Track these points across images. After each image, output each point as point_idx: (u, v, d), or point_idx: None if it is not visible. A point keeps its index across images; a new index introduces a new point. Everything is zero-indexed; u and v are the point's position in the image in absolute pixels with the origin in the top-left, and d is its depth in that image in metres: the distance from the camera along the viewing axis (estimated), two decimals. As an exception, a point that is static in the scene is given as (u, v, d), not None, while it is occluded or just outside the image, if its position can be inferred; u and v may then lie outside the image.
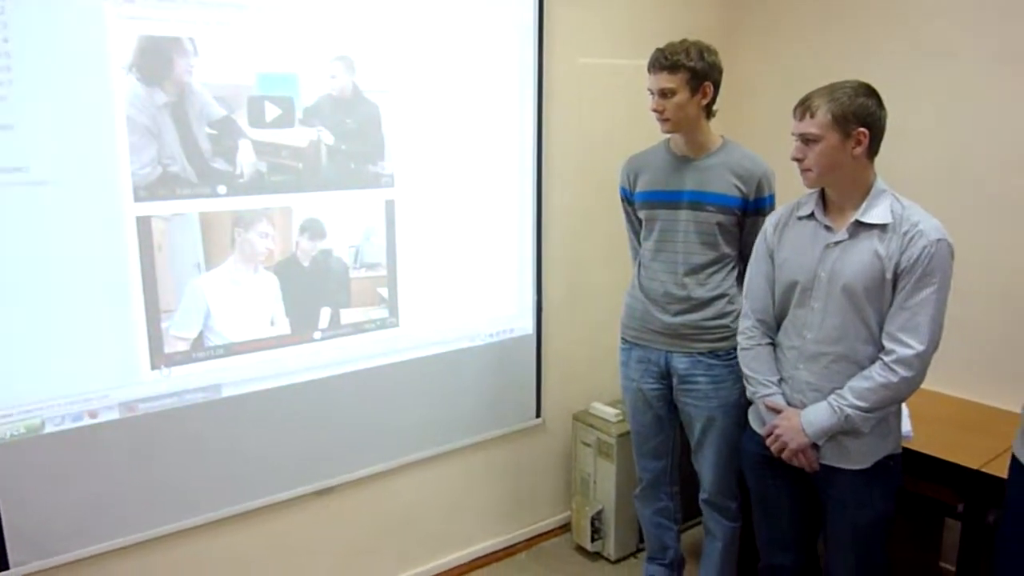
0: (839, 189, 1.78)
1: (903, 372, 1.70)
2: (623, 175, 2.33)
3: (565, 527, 3.08)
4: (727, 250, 2.15)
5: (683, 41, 2.08)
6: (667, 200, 2.19)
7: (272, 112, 2.14)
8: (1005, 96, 2.41)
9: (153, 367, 2.06)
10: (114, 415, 2.03)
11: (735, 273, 2.19)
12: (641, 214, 2.27)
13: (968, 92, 2.49)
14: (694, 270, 2.16)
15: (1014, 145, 2.39)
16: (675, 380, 2.25)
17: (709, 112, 2.14)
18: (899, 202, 1.74)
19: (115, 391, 2.02)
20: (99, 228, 1.93)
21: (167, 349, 2.07)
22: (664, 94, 2.08)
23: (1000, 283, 2.36)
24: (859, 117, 1.69)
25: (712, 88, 2.09)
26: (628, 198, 2.33)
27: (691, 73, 2.05)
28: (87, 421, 1.99)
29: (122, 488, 2.07)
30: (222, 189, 2.09)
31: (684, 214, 2.16)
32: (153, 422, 2.08)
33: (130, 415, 2.05)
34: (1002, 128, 2.42)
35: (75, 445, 1.98)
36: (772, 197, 2.15)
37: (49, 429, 1.94)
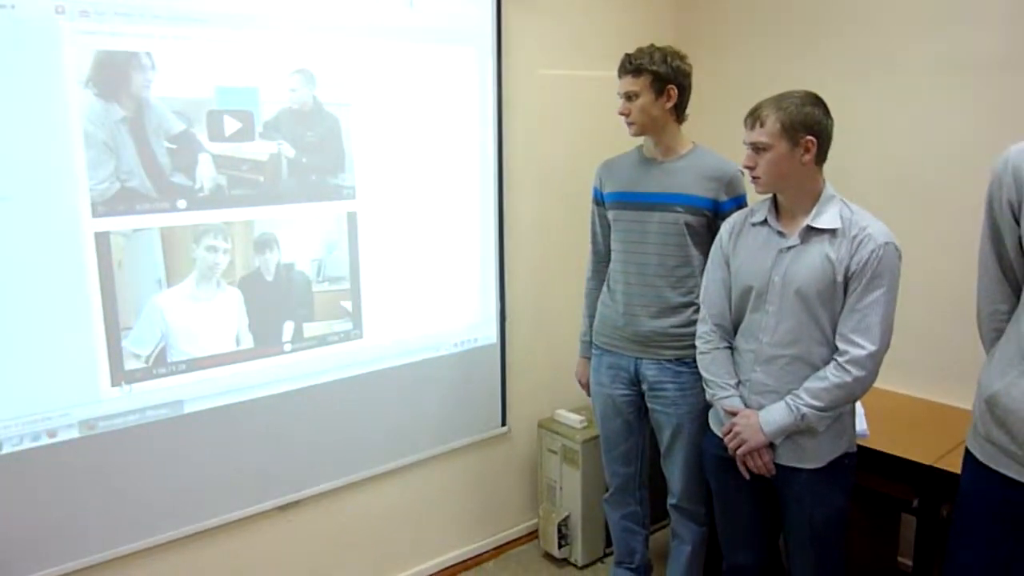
0: (790, 196, 1.84)
1: (856, 372, 1.76)
2: (596, 177, 2.38)
3: (532, 534, 3.10)
4: (695, 252, 2.18)
5: (650, 46, 2.13)
6: (636, 201, 2.23)
7: (232, 126, 2.14)
8: (942, 102, 2.50)
9: (113, 384, 2.04)
10: (74, 434, 2.00)
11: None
12: (611, 215, 2.30)
13: (908, 99, 2.58)
14: (664, 271, 2.19)
15: (952, 149, 2.48)
16: (644, 387, 2.29)
17: (679, 116, 2.19)
18: (848, 207, 1.81)
19: (75, 409, 1.99)
20: (57, 244, 1.91)
21: (128, 366, 2.05)
22: (629, 97, 2.13)
23: (945, 283, 2.44)
24: (807, 125, 1.75)
25: (677, 91, 2.13)
26: (599, 200, 2.36)
27: (654, 76, 2.10)
28: (46, 441, 1.96)
29: (82, 508, 2.03)
30: (182, 204, 2.08)
31: (652, 215, 2.19)
32: (114, 440, 2.05)
33: (90, 433, 2.02)
34: (940, 133, 2.51)
35: (34, 465, 1.95)
36: (743, 198, 2.17)
37: (7, 449, 1.91)
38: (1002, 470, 1.54)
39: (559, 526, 2.89)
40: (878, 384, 1.84)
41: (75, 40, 1.87)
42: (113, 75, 1.93)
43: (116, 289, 2.00)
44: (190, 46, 2.05)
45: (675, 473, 2.31)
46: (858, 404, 1.95)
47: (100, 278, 1.97)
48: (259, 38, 2.16)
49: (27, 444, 1.93)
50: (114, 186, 1.97)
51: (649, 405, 2.30)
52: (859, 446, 1.97)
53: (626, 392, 2.33)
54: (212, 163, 2.12)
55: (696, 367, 2.07)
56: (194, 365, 2.16)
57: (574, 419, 2.89)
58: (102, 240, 1.97)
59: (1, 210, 1.82)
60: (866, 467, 2.06)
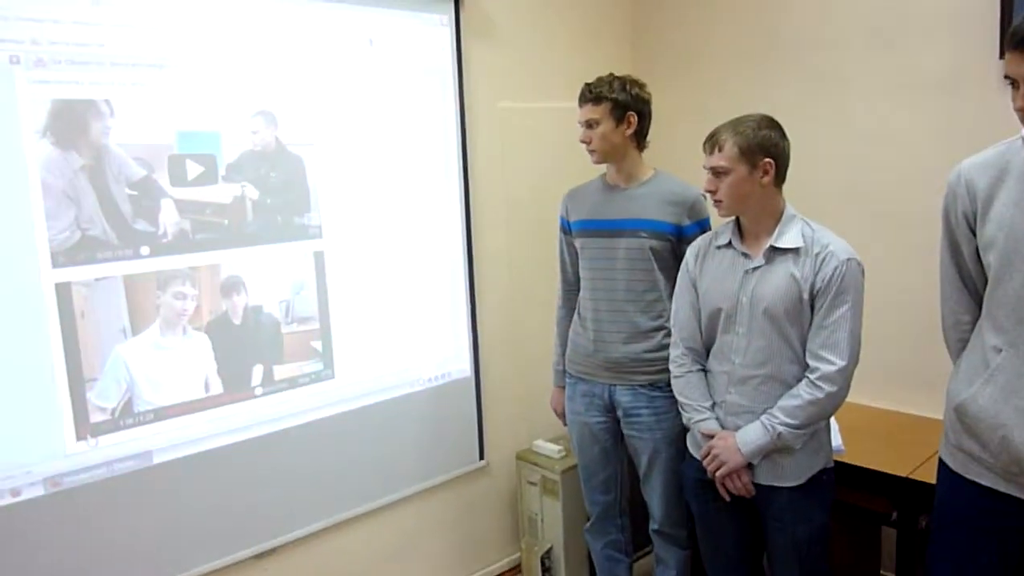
0: (751, 217, 1.87)
1: (828, 388, 1.77)
2: (562, 206, 2.39)
3: (516, 568, 3.06)
4: (660, 277, 2.19)
5: (609, 75, 2.17)
6: (601, 228, 2.25)
7: (194, 170, 2.13)
8: (895, 119, 2.57)
9: (79, 438, 1.98)
10: (38, 491, 1.94)
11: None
12: (577, 243, 2.32)
13: (862, 117, 2.65)
14: (633, 296, 2.20)
15: (908, 164, 2.54)
16: (620, 413, 2.28)
17: (640, 143, 2.21)
18: (809, 226, 1.84)
19: (38, 465, 1.93)
20: (16, 297, 1.87)
21: (93, 419, 2.00)
22: (590, 125, 2.16)
23: (909, 295, 2.48)
24: (764, 148, 1.79)
25: (637, 118, 2.16)
26: (566, 228, 2.38)
27: (613, 104, 2.13)
28: (9, 500, 1.89)
29: (49, 567, 1.96)
30: (145, 250, 2.05)
31: (618, 241, 2.21)
32: (80, 495, 2.00)
33: (55, 490, 1.96)
34: (895, 149, 2.58)
35: (-3, 526, 1.88)
36: (706, 221, 2.19)
37: (-33, 511, 1.84)
38: (975, 478, 1.55)
39: (542, 559, 2.85)
40: (850, 399, 1.86)
41: (30, 89, 1.85)
42: (71, 123, 1.91)
43: (79, 340, 1.96)
44: (149, 92, 2.03)
45: (655, 498, 2.30)
46: (832, 420, 1.96)
47: (62, 329, 1.93)
48: (219, 81, 2.16)
49: (-11, 504, 1.87)
50: (75, 235, 1.94)
51: (625, 431, 2.30)
52: (836, 461, 1.99)
53: (601, 419, 2.32)
54: (175, 208, 2.10)
55: (670, 391, 2.08)
56: (162, 414, 2.12)
57: (552, 449, 2.87)
58: (63, 290, 1.93)
59: (-43, 265, 1.78)
60: (844, 482, 2.07)
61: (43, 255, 1.89)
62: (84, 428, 1.99)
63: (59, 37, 1.89)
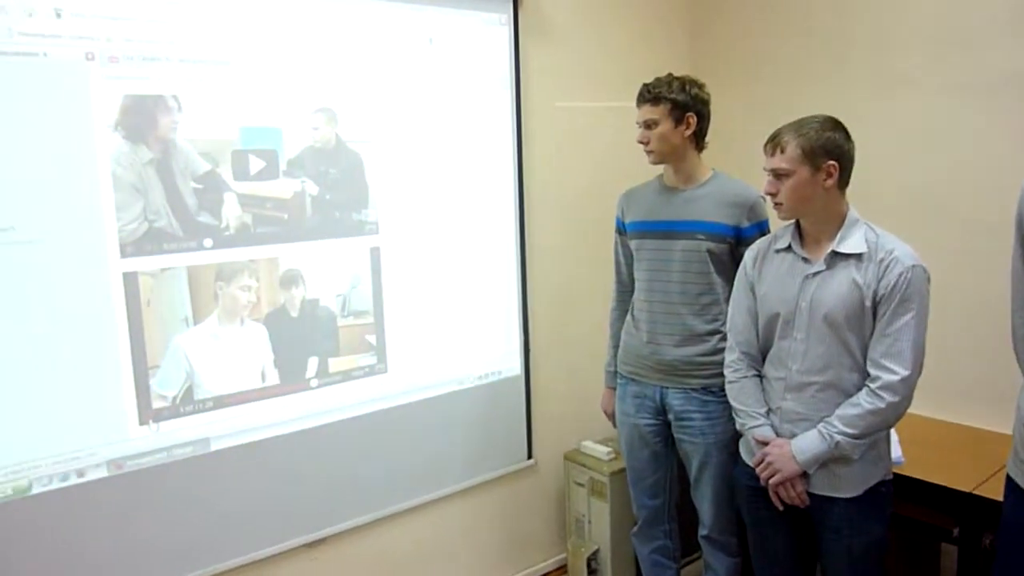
0: (813, 221, 1.83)
1: (889, 397, 1.72)
2: (618, 207, 2.38)
3: (561, 569, 3.05)
4: (718, 280, 2.17)
5: (668, 75, 2.15)
6: (657, 230, 2.23)
7: (256, 165, 2.17)
8: (964, 121, 2.48)
9: (141, 423, 2.05)
10: (102, 473, 2.01)
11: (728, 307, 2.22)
12: (633, 244, 2.30)
13: (929, 119, 2.56)
14: (688, 299, 2.18)
15: (978, 168, 2.45)
16: (671, 417, 2.26)
17: (698, 144, 2.19)
18: (873, 231, 1.79)
19: (103, 449, 2.00)
20: (86, 286, 1.94)
21: (155, 404, 2.06)
22: (648, 125, 2.14)
23: (978, 304, 2.41)
24: (827, 150, 1.74)
25: (696, 119, 2.14)
26: (621, 229, 2.37)
27: (672, 104, 2.11)
28: (75, 480, 1.97)
29: (109, 547, 2.03)
30: (208, 242, 2.11)
31: (674, 243, 2.19)
32: (140, 479, 2.06)
33: (118, 472, 2.03)
34: (964, 152, 2.49)
35: (62, 505, 1.95)
36: (765, 223, 2.16)
37: (37, 490, 1.92)
38: (1046, 497, 1.49)
39: (588, 560, 2.84)
40: (912, 410, 1.80)
41: (104, 85, 1.92)
42: (141, 118, 1.98)
43: (144, 328, 2.02)
44: (215, 88, 2.09)
45: (705, 504, 2.27)
46: (892, 431, 1.91)
47: (128, 318, 2.00)
48: (282, 78, 2.20)
49: (56, 484, 1.94)
50: (142, 227, 2.00)
51: (676, 435, 2.27)
52: (895, 473, 1.93)
53: (652, 422, 2.30)
54: (237, 202, 2.15)
55: (723, 396, 2.05)
56: (220, 402, 2.17)
57: (601, 451, 2.85)
58: (130, 280, 1.99)
59: (33, 252, 1.86)
60: (903, 495, 2.01)
61: (112, 245, 1.96)
62: (147, 413, 2.05)
63: (132, 34, 1.95)
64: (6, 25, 1.78)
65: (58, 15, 1.84)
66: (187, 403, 2.12)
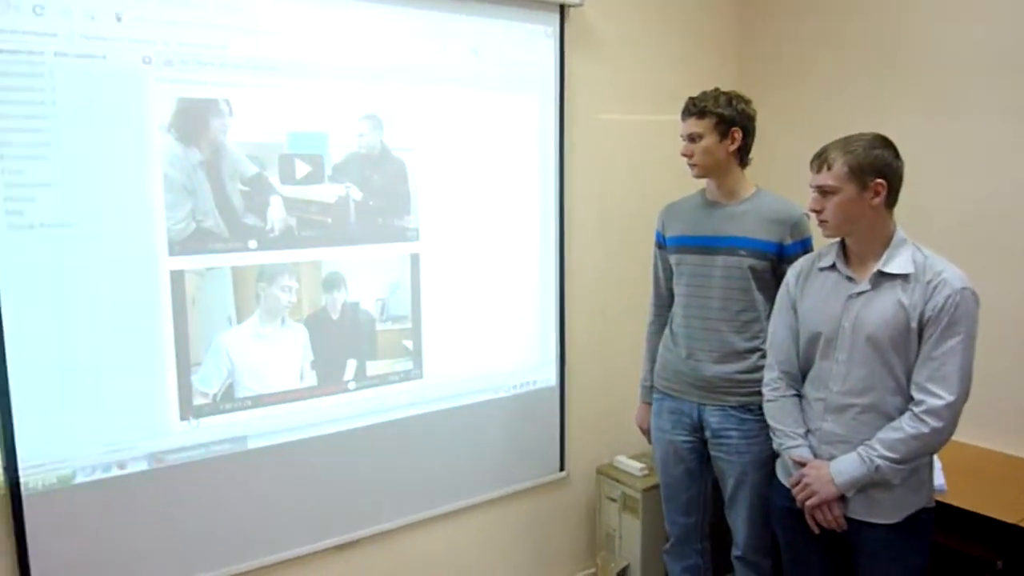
0: (859, 240, 1.79)
1: (933, 423, 1.68)
2: (658, 221, 2.37)
3: (591, 584, 3.03)
4: (759, 297, 2.14)
5: (715, 89, 2.14)
6: (698, 245, 2.21)
7: (302, 169, 2.21)
8: (1014, 143, 2.42)
9: (182, 418, 2.09)
10: (142, 466, 2.05)
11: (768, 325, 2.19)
12: (673, 259, 2.29)
13: (979, 140, 2.51)
14: (728, 316, 2.16)
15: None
16: (707, 434, 2.23)
17: (743, 160, 2.17)
18: (920, 252, 1.75)
19: (144, 442, 2.05)
20: (135, 282, 1.99)
21: (196, 401, 2.10)
22: (692, 139, 2.13)
23: (1027, 331, 2.34)
24: (875, 168, 1.71)
25: (741, 134, 2.12)
26: (661, 243, 2.35)
27: (718, 118, 2.10)
28: (116, 472, 2.02)
29: (145, 539, 2.07)
30: (253, 244, 2.15)
31: (714, 259, 2.17)
32: (179, 473, 2.10)
33: (158, 466, 2.07)
34: (1015, 174, 2.43)
35: (103, 496, 2.00)
36: (808, 241, 2.13)
37: (79, 479, 1.97)
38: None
39: (618, 576, 2.82)
40: (956, 436, 1.75)
41: (159, 88, 1.97)
42: (193, 121, 2.03)
43: (188, 326, 2.07)
44: (265, 93, 2.13)
45: (739, 523, 2.23)
46: (935, 457, 1.86)
47: (174, 314, 2.04)
48: (330, 85, 2.24)
49: (98, 475, 1.99)
50: (190, 226, 2.05)
51: (712, 453, 2.24)
52: (937, 502, 1.88)
53: (688, 439, 2.27)
54: (283, 205, 2.19)
55: (761, 414, 2.02)
56: (259, 401, 2.21)
57: (634, 466, 2.83)
58: (177, 278, 2.04)
59: (86, 248, 1.91)
60: (944, 525, 1.96)
61: (161, 244, 2.01)
62: (187, 409, 2.09)
63: (188, 39, 2.00)
64: (69, 28, 1.85)
65: (118, 19, 1.91)
66: (227, 400, 2.15)
